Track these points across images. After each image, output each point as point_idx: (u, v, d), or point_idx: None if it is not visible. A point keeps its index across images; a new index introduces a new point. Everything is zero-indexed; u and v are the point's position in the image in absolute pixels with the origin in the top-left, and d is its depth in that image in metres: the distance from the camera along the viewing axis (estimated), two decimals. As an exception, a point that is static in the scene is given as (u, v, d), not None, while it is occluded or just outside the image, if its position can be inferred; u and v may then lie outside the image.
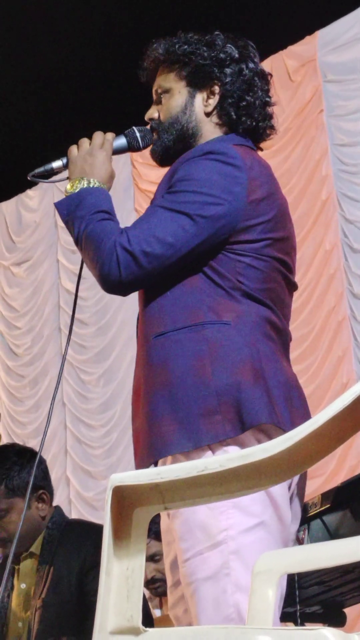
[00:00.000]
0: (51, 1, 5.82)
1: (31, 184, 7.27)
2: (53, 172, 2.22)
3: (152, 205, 2.05)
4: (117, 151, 2.21)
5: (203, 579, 1.86)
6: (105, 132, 2.20)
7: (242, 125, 2.14)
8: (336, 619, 3.29)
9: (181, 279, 1.99)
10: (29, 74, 6.32)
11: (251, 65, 2.17)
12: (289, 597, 2.97)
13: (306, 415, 2.01)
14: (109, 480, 1.40)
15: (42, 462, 3.24)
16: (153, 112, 2.21)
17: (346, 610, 3.36)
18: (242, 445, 1.88)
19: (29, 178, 2.24)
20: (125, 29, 6.01)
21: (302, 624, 3.11)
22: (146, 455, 1.94)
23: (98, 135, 2.18)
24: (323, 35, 5.91)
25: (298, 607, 2.98)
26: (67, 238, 7.00)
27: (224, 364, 1.91)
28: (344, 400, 1.33)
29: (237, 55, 2.16)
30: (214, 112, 2.15)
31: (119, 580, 1.38)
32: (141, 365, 2.02)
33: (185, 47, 2.16)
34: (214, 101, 2.14)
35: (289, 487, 2.00)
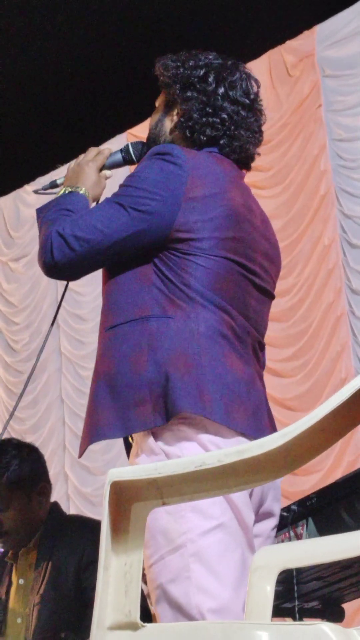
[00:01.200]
0: (52, 1, 5.82)
1: (29, 179, 7.26)
2: (56, 187, 2.37)
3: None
4: (114, 166, 2.35)
5: (166, 582, 1.91)
6: (103, 149, 2.36)
7: (203, 135, 2.23)
8: (334, 614, 3.29)
9: (136, 275, 2.08)
10: (26, 69, 6.31)
11: (210, 81, 2.26)
12: (287, 593, 2.97)
13: (257, 414, 2.04)
14: (107, 475, 1.40)
15: (41, 456, 3.25)
16: None
17: (344, 605, 3.36)
18: (171, 433, 1.96)
19: (34, 192, 2.45)
20: (125, 29, 6.00)
21: (300, 619, 3.11)
22: (84, 440, 2.04)
23: (90, 150, 2.33)
24: (321, 30, 5.90)
25: (296, 603, 2.98)
26: (65, 233, 7.00)
27: (159, 355, 1.99)
28: (342, 395, 1.33)
29: (203, 74, 2.28)
30: (178, 127, 2.26)
31: (117, 575, 1.37)
32: (96, 359, 2.11)
33: (163, 71, 2.32)
34: (176, 120, 2.27)
35: (251, 491, 2.04)
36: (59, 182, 2.33)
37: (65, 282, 2.26)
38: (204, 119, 2.23)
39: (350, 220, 5.64)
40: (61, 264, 2.08)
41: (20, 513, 3.09)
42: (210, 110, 2.23)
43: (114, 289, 2.10)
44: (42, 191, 2.39)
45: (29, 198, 7.30)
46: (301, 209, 5.80)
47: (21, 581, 3.10)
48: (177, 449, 1.94)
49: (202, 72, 2.28)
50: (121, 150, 2.34)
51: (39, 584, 3.04)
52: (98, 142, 6.94)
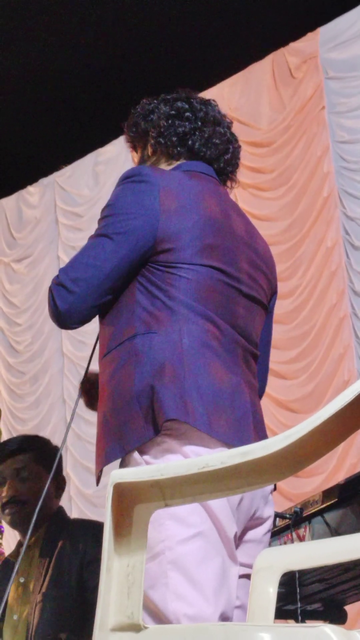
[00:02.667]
0: (53, 1, 5.82)
1: (32, 180, 7.27)
2: None
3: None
4: None
5: (145, 589, 1.91)
6: None
7: (172, 146, 2.29)
8: (337, 617, 3.28)
9: (123, 297, 2.12)
10: (29, 70, 6.31)
11: (166, 106, 2.34)
12: (289, 595, 2.97)
13: (241, 424, 2.04)
14: (110, 477, 1.40)
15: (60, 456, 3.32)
16: None
17: (347, 607, 3.35)
18: (156, 446, 1.98)
19: None
20: (129, 30, 6.01)
21: (302, 622, 3.11)
22: (97, 466, 2.08)
23: None
24: (325, 32, 5.90)
25: (299, 605, 2.98)
26: (67, 234, 7.00)
27: (144, 370, 2.01)
28: (345, 397, 1.33)
29: (160, 102, 2.36)
30: (153, 147, 2.33)
31: (120, 577, 1.37)
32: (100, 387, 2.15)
33: (126, 127, 2.40)
34: (153, 139, 2.33)
35: (241, 499, 2.04)
36: None
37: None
38: (172, 122, 2.30)
39: (353, 223, 5.64)
40: (65, 310, 2.12)
41: (35, 490, 3.13)
42: (175, 117, 2.30)
43: (105, 317, 2.15)
44: None
45: (31, 199, 7.30)
46: (304, 211, 5.80)
47: (22, 579, 3.10)
48: (162, 462, 1.96)
49: (158, 103, 2.36)
50: None
51: (41, 583, 3.04)
52: (100, 143, 6.95)
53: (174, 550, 1.92)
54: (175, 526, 1.93)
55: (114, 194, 2.19)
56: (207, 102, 2.36)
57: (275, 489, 2.20)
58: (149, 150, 2.34)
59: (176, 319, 2.05)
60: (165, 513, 1.91)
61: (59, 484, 3.25)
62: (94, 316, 2.16)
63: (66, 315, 2.12)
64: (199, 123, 2.30)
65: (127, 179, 2.18)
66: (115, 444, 2.01)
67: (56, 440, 7.03)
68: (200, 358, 2.03)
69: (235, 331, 2.13)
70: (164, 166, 2.30)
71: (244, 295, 2.18)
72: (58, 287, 2.12)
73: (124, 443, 2.00)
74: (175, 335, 2.04)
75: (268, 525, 2.14)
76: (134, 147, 2.42)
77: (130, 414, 1.99)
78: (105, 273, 2.09)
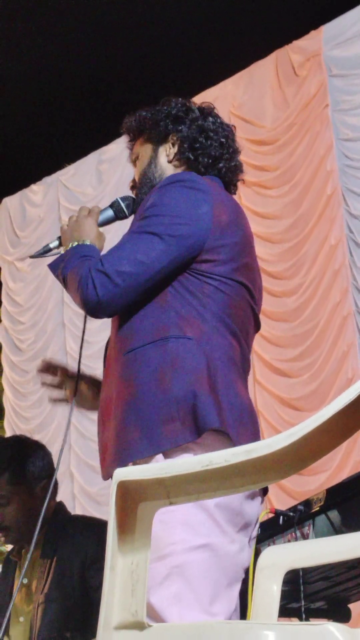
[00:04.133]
0: (53, 1, 5.82)
1: (35, 179, 7.26)
2: (50, 251, 2.39)
3: (126, 234, 2.18)
4: (105, 222, 2.37)
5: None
6: (93, 207, 2.36)
7: (200, 164, 2.32)
8: (341, 615, 3.28)
9: (153, 297, 2.11)
10: (32, 69, 6.31)
11: (196, 115, 2.38)
12: (293, 593, 2.96)
13: (255, 435, 2.09)
14: (114, 475, 1.40)
15: (47, 454, 3.25)
16: (134, 179, 2.41)
17: (351, 605, 3.35)
18: (199, 449, 1.98)
19: (30, 257, 2.48)
20: (131, 29, 6.00)
21: (306, 620, 3.11)
22: (112, 463, 2.03)
23: (83, 209, 2.34)
24: (328, 29, 5.89)
25: (303, 603, 2.98)
26: (71, 233, 7.00)
27: (182, 375, 2.02)
28: (349, 395, 1.33)
29: (185, 109, 2.38)
30: (175, 158, 2.34)
31: (124, 575, 1.37)
32: (113, 382, 2.13)
33: (142, 118, 2.38)
34: (174, 149, 2.34)
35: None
36: (52, 245, 2.35)
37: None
38: (206, 142, 2.32)
39: (356, 220, 5.63)
40: (104, 301, 2.07)
41: (21, 509, 3.09)
42: (206, 134, 2.33)
43: (129, 313, 2.12)
44: (38, 255, 2.38)
45: (35, 198, 7.30)
46: (308, 209, 5.80)
47: (25, 580, 3.10)
48: None
49: (184, 107, 2.37)
50: (111, 206, 2.37)
51: (43, 583, 3.03)
52: (104, 142, 6.95)
53: (181, 556, 1.93)
54: (186, 533, 1.94)
55: (163, 194, 2.16)
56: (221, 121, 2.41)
57: (266, 493, 2.21)
58: (170, 155, 2.33)
59: (207, 329, 2.08)
60: (177, 519, 1.93)
61: (45, 487, 3.15)
62: (121, 312, 2.14)
63: (104, 306, 2.08)
64: (226, 150, 2.33)
65: (179, 182, 2.17)
66: (146, 442, 1.99)
67: (60, 439, 7.02)
68: (229, 373, 2.07)
69: (248, 349, 2.19)
70: (179, 169, 2.32)
71: (254, 315, 2.24)
72: (100, 274, 2.07)
73: (156, 442, 1.98)
74: (207, 346, 2.06)
75: (254, 529, 2.18)
76: (135, 138, 2.40)
77: (167, 416, 1.99)
78: (153, 272, 2.08)
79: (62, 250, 2.31)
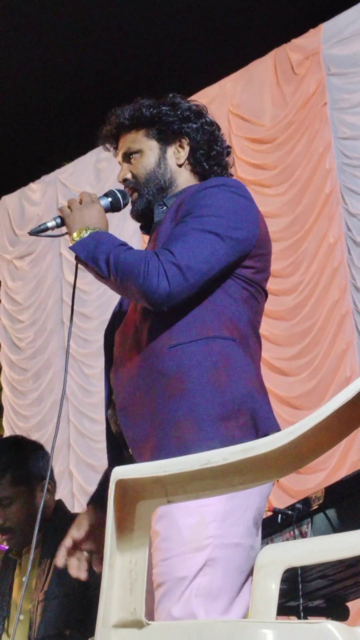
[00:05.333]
0: (54, 2, 5.82)
1: (34, 177, 7.26)
2: (47, 230, 2.32)
3: (181, 228, 2.13)
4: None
5: (178, 578, 1.93)
6: (92, 194, 2.32)
7: (213, 173, 2.32)
8: (339, 613, 3.29)
9: (199, 295, 2.09)
10: (31, 68, 6.31)
11: (208, 120, 2.36)
12: (292, 591, 2.97)
13: None
14: (112, 473, 1.40)
15: (46, 453, 3.25)
16: (126, 174, 2.36)
17: (349, 604, 3.36)
18: None
19: (28, 234, 2.37)
20: (129, 29, 6.00)
21: (305, 618, 3.11)
22: (160, 458, 2.00)
23: (86, 194, 2.29)
24: (327, 28, 5.89)
25: (301, 601, 2.98)
26: (70, 231, 6.99)
27: (238, 375, 2.05)
28: (347, 393, 1.33)
29: (197, 112, 2.35)
30: (186, 163, 2.32)
31: (122, 573, 1.37)
32: (145, 374, 2.10)
33: (152, 109, 2.32)
34: (184, 153, 2.32)
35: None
36: (49, 225, 2.29)
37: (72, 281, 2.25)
38: (217, 148, 2.33)
39: (355, 219, 5.63)
40: (174, 293, 2.05)
41: (23, 509, 3.09)
42: (217, 142, 2.33)
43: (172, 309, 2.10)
44: (36, 233, 2.31)
45: (34, 196, 7.30)
46: (306, 207, 5.80)
47: (25, 578, 3.10)
48: None
49: (195, 110, 2.35)
50: (107, 195, 2.33)
51: (43, 581, 3.04)
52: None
53: (217, 550, 1.95)
54: (221, 530, 1.96)
55: (213, 196, 2.15)
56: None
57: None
58: (181, 158, 2.31)
59: (245, 333, 2.11)
60: (209, 518, 1.95)
61: (51, 487, 3.16)
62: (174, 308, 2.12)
63: (172, 298, 2.05)
64: (227, 157, 2.35)
65: (226, 186, 2.18)
66: (201, 438, 1.98)
67: (59, 437, 7.03)
68: (260, 374, 2.14)
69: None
70: (192, 176, 2.32)
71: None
72: (173, 267, 2.04)
73: (214, 441, 1.97)
74: (248, 348, 2.10)
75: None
76: (132, 128, 2.34)
77: (223, 413, 2.00)
78: (214, 272, 2.08)
79: (61, 230, 2.27)
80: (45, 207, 7.13)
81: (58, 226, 2.29)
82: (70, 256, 6.92)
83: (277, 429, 2.02)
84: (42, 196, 7.23)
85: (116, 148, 2.40)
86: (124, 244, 2.15)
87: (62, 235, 2.29)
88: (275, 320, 5.71)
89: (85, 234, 2.19)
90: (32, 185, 7.30)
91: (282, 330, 5.74)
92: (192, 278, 2.05)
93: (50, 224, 2.28)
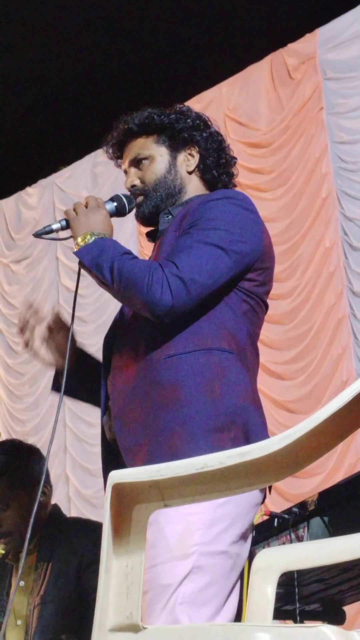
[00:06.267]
0: (54, 2, 5.82)
1: (31, 181, 7.27)
2: (52, 232, 2.32)
3: (185, 240, 2.12)
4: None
5: (163, 586, 1.93)
6: (98, 198, 2.31)
7: (221, 181, 2.33)
8: (335, 617, 3.29)
9: (199, 307, 2.09)
10: (28, 71, 6.32)
11: (214, 130, 2.38)
12: (288, 595, 2.97)
13: None
14: (109, 477, 1.40)
15: (43, 457, 3.25)
16: (134, 180, 2.35)
17: (345, 607, 3.36)
18: None
19: (33, 235, 2.36)
20: (130, 31, 6.01)
21: (301, 622, 3.11)
22: (155, 456, 2.02)
23: (92, 198, 2.28)
24: (323, 32, 5.90)
25: (297, 605, 2.98)
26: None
27: (232, 388, 2.04)
28: (344, 397, 1.33)
29: (205, 121, 2.37)
30: (196, 171, 2.33)
31: (119, 577, 1.37)
32: (140, 383, 2.10)
33: (163, 116, 2.34)
34: (194, 161, 2.33)
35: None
36: (54, 227, 2.28)
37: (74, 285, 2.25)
38: (225, 157, 2.34)
39: (351, 223, 5.64)
40: (177, 306, 2.04)
41: (20, 514, 3.09)
42: (224, 152, 2.35)
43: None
44: (40, 235, 2.30)
45: (30, 200, 7.30)
46: (302, 211, 5.81)
47: (22, 583, 3.10)
48: None
49: (203, 120, 2.36)
50: (112, 200, 2.32)
51: (39, 586, 3.03)
52: (99, 145, 6.94)
53: (203, 557, 1.94)
54: (207, 537, 1.95)
55: (218, 208, 2.15)
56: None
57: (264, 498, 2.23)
58: (190, 166, 2.32)
59: (243, 346, 2.11)
60: (203, 521, 1.95)
61: (43, 492, 3.16)
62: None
63: (174, 311, 2.04)
64: (233, 172, 2.37)
65: (232, 199, 2.18)
66: (192, 449, 1.97)
67: (55, 441, 7.02)
68: (256, 387, 2.14)
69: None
70: (201, 183, 2.33)
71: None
72: (177, 280, 2.04)
73: (204, 449, 1.95)
74: (245, 361, 2.10)
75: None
76: (141, 134, 2.34)
77: (216, 425, 2.00)
78: (217, 286, 2.08)
79: (66, 233, 2.27)
80: (42, 211, 7.14)
81: (63, 229, 2.28)
82: (67, 260, 6.93)
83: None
84: (38, 200, 7.23)
85: (118, 156, 2.41)
86: (129, 252, 2.14)
87: (67, 238, 2.28)
88: (271, 325, 5.71)
89: (90, 240, 2.18)
90: (28, 189, 7.31)
91: (278, 334, 5.74)
92: (195, 291, 2.04)
93: (55, 226, 2.28)
